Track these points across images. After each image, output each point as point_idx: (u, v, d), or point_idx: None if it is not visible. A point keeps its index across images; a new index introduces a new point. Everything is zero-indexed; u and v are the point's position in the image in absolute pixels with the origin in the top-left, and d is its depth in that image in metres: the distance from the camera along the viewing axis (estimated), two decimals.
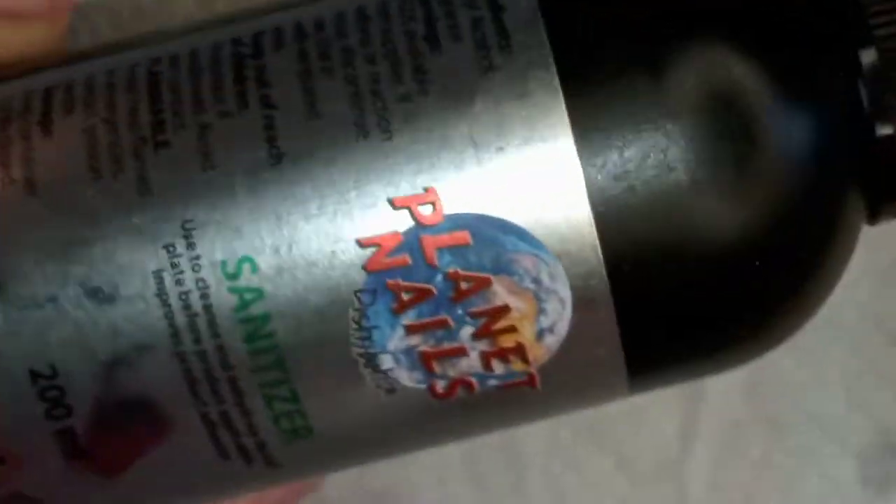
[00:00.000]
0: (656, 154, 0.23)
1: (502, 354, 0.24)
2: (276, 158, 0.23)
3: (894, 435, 0.33)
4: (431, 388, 0.24)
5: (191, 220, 0.23)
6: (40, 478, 0.24)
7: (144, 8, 0.30)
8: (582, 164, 0.23)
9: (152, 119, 0.24)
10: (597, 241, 0.23)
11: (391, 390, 0.24)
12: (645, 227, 0.23)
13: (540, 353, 0.24)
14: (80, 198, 0.23)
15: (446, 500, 0.29)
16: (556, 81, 0.23)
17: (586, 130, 0.23)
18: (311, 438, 0.25)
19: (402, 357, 0.24)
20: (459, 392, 0.24)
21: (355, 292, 0.23)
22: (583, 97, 0.23)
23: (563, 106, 0.23)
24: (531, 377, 0.24)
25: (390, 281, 0.23)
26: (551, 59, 0.23)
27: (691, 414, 0.33)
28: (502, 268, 0.23)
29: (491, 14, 0.23)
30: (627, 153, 0.23)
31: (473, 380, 0.24)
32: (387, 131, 0.23)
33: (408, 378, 0.24)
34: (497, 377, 0.24)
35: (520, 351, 0.24)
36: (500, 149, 0.23)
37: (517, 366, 0.24)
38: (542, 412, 0.26)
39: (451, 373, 0.24)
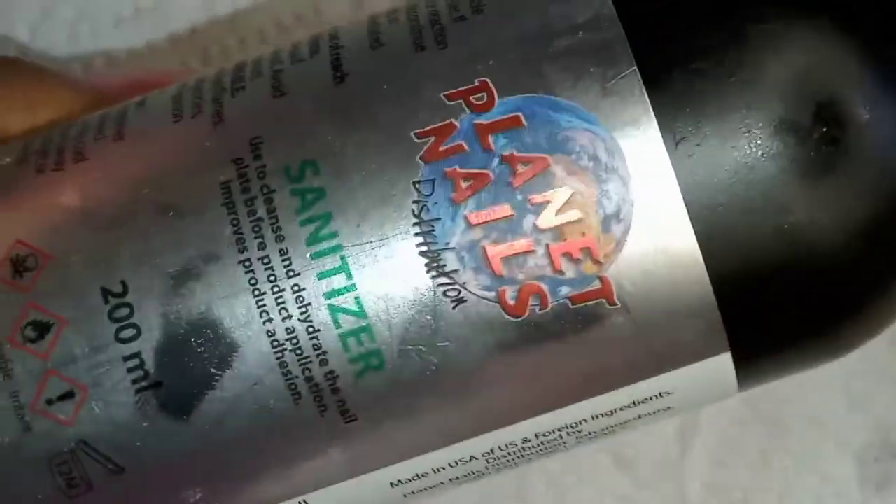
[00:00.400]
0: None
1: (570, 249, 0.23)
2: (340, 79, 0.24)
3: (894, 435, 0.32)
4: (502, 300, 0.23)
5: (258, 137, 0.24)
6: (109, 414, 0.24)
7: (143, 7, 0.32)
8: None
9: (233, 76, 0.25)
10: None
11: (458, 300, 0.23)
12: None
13: (609, 247, 0.23)
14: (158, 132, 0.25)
15: (446, 499, 0.27)
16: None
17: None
18: (382, 371, 0.24)
19: (466, 255, 0.23)
20: (532, 306, 0.23)
21: (414, 182, 0.23)
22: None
23: None
24: (606, 285, 0.23)
25: (448, 169, 0.23)
26: None
27: (691, 414, 0.33)
28: (558, 145, 0.23)
29: None
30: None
31: (544, 286, 0.23)
32: (442, 43, 0.24)
33: (474, 282, 0.23)
34: (569, 283, 0.23)
35: (587, 244, 0.23)
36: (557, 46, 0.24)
37: (587, 267, 0.23)
38: (629, 353, 0.24)
39: (520, 275, 0.23)
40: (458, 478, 0.26)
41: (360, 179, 0.23)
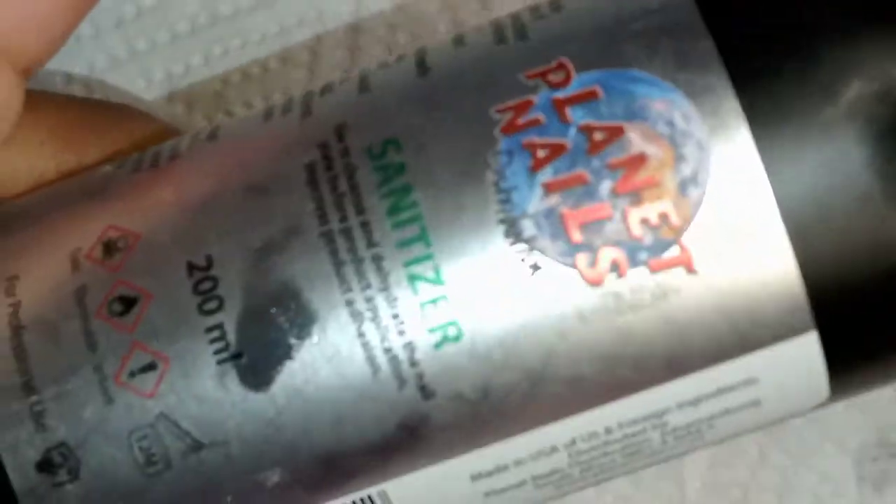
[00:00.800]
0: None
1: (647, 214, 0.23)
2: (423, 73, 0.25)
3: (892, 434, 0.32)
4: (579, 266, 0.23)
5: (343, 124, 0.25)
6: (190, 386, 0.24)
7: (144, 7, 0.32)
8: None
9: (323, 85, 0.26)
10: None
11: (535, 267, 0.23)
12: None
13: (686, 212, 0.23)
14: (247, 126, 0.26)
15: None
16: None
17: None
18: (459, 342, 0.24)
19: (543, 221, 0.23)
20: (610, 273, 0.23)
21: (491, 154, 0.24)
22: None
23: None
24: (684, 251, 0.23)
25: (525, 140, 0.24)
26: None
27: None
28: (634, 113, 0.23)
29: None
30: None
31: (622, 252, 0.23)
32: (523, 37, 0.25)
33: (552, 248, 0.23)
34: (647, 249, 0.23)
35: (664, 209, 0.23)
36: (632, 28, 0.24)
37: (665, 232, 0.23)
38: (710, 328, 0.24)
39: (597, 241, 0.23)
40: (540, 477, 0.25)
41: (438, 154, 0.24)
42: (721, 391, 0.24)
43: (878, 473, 0.32)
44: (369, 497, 0.25)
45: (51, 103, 0.27)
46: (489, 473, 0.25)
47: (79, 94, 0.31)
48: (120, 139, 0.28)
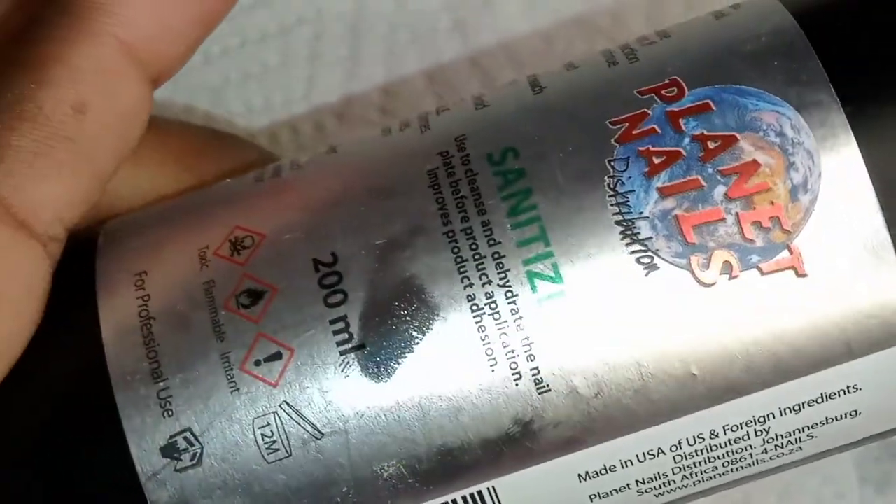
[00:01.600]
0: None
1: (759, 217, 0.24)
2: (539, 91, 0.26)
3: None
4: (692, 267, 0.24)
5: (463, 135, 0.26)
6: (313, 376, 0.25)
7: None
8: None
9: (437, 106, 0.28)
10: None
11: (650, 266, 0.24)
12: None
13: (797, 216, 0.24)
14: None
15: None
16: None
17: None
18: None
19: (658, 223, 0.24)
20: (722, 274, 0.24)
21: (609, 161, 0.25)
22: None
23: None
24: (794, 254, 0.24)
25: (641, 148, 0.25)
26: None
27: None
28: (746, 125, 0.25)
29: None
30: None
31: (734, 254, 0.24)
32: (634, 59, 0.26)
33: (666, 249, 0.24)
34: (758, 251, 0.24)
35: (776, 213, 0.24)
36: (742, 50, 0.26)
37: (776, 235, 0.24)
38: (819, 332, 0.24)
39: (710, 243, 0.24)
40: (643, 481, 0.26)
41: (557, 160, 0.25)
42: (824, 398, 0.25)
43: (880, 474, 0.32)
44: (479, 493, 0.25)
45: (173, 127, 0.29)
46: (596, 474, 0.25)
47: (197, 122, 0.33)
48: (232, 164, 0.30)
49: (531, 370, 0.24)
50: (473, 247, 0.25)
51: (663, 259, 0.24)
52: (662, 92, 0.25)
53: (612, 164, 0.25)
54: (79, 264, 0.26)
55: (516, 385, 0.25)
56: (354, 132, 0.27)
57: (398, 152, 0.26)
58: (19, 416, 0.25)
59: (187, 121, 0.33)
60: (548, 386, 0.25)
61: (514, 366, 0.24)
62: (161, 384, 0.25)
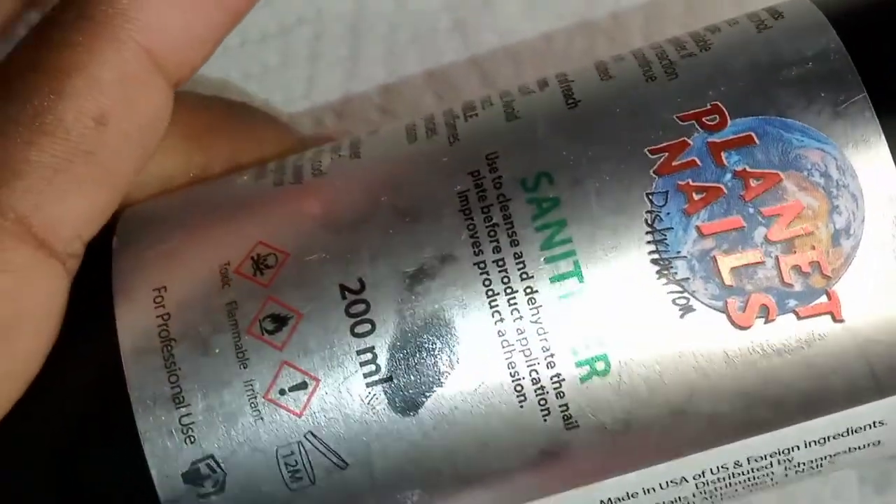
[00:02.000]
0: None
1: (799, 262, 0.24)
2: (573, 105, 0.25)
3: None
4: (729, 310, 0.24)
5: (494, 152, 0.25)
6: (339, 406, 0.24)
7: None
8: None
9: (464, 107, 0.27)
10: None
11: (686, 308, 0.24)
12: None
13: (837, 262, 0.24)
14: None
15: None
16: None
17: None
18: (606, 377, 0.24)
19: (696, 264, 0.24)
20: (758, 318, 0.24)
21: (647, 194, 0.24)
22: None
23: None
24: (833, 299, 0.24)
25: (681, 182, 0.24)
26: None
27: None
28: (790, 163, 0.24)
29: None
30: None
31: (772, 298, 0.24)
32: (672, 74, 0.25)
33: (703, 291, 0.24)
34: (796, 296, 0.24)
35: (816, 258, 0.24)
36: (787, 74, 0.25)
37: (816, 280, 0.24)
38: (851, 374, 0.24)
39: (748, 286, 0.24)
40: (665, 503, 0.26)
41: (594, 190, 0.24)
42: (850, 432, 0.25)
43: (879, 475, 0.32)
44: None
45: (183, 105, 0.28)
46: (619, 500, 0.25)
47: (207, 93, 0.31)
48: (247, 142, 0.29)
49: (560, 406, 0.24)
50: (505, 280, 0.24)
51: (699, 301, 0.24)
52: (704, 119, 0.24)
53: (651, 197, 0.24)
54: (95, 273, 0.26)
55: (545, 421, 0.24)
56: (375, 133, 0.26)
57: (425, 167, 0.25)
58: (38, 437, 0.25)
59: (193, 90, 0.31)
60: (576, 422, 0.24)
61: (543, 402, 0.24)
62: (183, 409, 0.24)
